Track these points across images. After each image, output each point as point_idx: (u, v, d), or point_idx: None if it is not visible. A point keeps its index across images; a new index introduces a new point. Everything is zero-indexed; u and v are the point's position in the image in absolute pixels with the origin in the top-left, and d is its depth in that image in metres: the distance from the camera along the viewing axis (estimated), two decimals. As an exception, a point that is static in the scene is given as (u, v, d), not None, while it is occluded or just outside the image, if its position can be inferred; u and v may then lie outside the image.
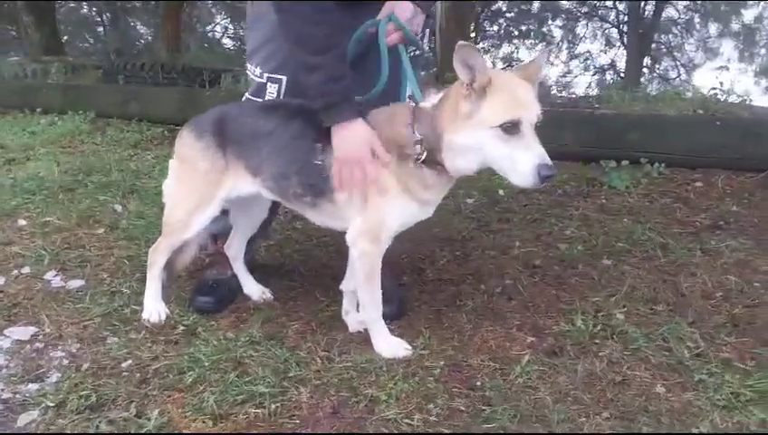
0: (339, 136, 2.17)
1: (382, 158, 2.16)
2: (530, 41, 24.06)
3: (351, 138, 2.16)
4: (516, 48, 24.63)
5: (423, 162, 2.12)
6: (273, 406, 1.98)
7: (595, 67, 24.55)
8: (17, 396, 2.06)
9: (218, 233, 2.82)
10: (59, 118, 6.27)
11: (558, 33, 24.09)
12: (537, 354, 2.27)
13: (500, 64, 24.50)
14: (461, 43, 1.94)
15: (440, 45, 8.41)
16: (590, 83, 23.51)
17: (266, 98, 2.54)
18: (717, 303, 2.64)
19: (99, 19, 24.66)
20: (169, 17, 9.74)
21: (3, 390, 2.09)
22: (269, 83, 2.54)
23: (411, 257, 3.23)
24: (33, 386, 2.11)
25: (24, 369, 2.21)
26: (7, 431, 1.88)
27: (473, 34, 22.85)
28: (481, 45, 23.89)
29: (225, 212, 2.71)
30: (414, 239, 3.45)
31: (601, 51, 23.92)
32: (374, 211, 2.22)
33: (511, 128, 1.93)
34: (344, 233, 2.32)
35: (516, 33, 24.26)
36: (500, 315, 2.58)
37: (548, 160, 1.91)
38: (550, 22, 23.72)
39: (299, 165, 2.28)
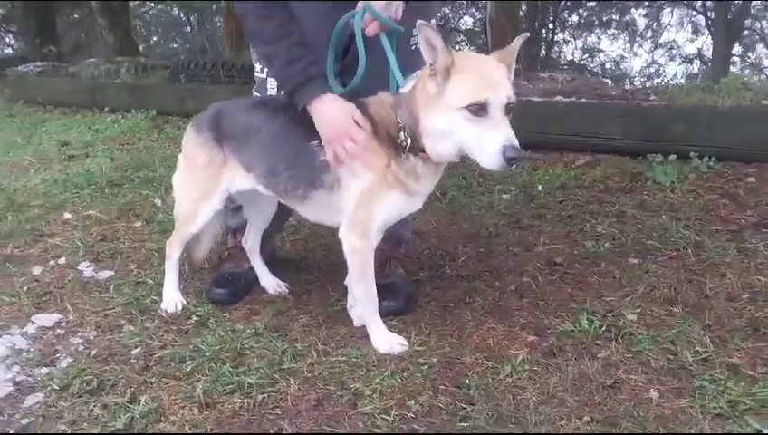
0: (316, 113, 2.22)
1: (362, 125, 2.18)
2: (612, 30, 23.37)
3: (328, 110, 2.19)
4: (599, 38, 23.98)
5: (408, 150, 2.12)
6: (260, 397, 2.03)
7: (681, 57, 23.52)
8: (29, 379, 2.20)
9: (237, 227, 2.90)
10: (122, 116, 6.55)
11: (642, 22, 23.20)
12: (534, 354, 2.22)
13: (580, 55, 23.94)
14: (421, 22, 1.93)
15: (491, 39, 8.28)
16: (675, 73, 22.57)
17: (267, 93, 2.59)
18: (741, 305, 2.49)
19: (186, 20, 25.48)
20: (231, 16, 10.00)
21: (18, 372, 2.23)
22: (269, 78, 2.58)
23: (433, 253, 3.21)
24: (44, 370, 2.24)
25: (41, 353, 2.35)
26: (7, 430, 2.00)
27: (551, 25, 22.40)
28: (561, 35, 23.35)
29: (241, 208, 2.79)
30: (439, 235, 3.44)
31: (687, 40, 22.89)
32: (362, 205, 2.22)
33: (478, 110, 1.91)
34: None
35: (597, 22, 23.55)
36: (507, 313, 2.53)
37: (515, 142, 1.88)
38: (633, 10, 22.87)
39: (288, 159, 2.32)
